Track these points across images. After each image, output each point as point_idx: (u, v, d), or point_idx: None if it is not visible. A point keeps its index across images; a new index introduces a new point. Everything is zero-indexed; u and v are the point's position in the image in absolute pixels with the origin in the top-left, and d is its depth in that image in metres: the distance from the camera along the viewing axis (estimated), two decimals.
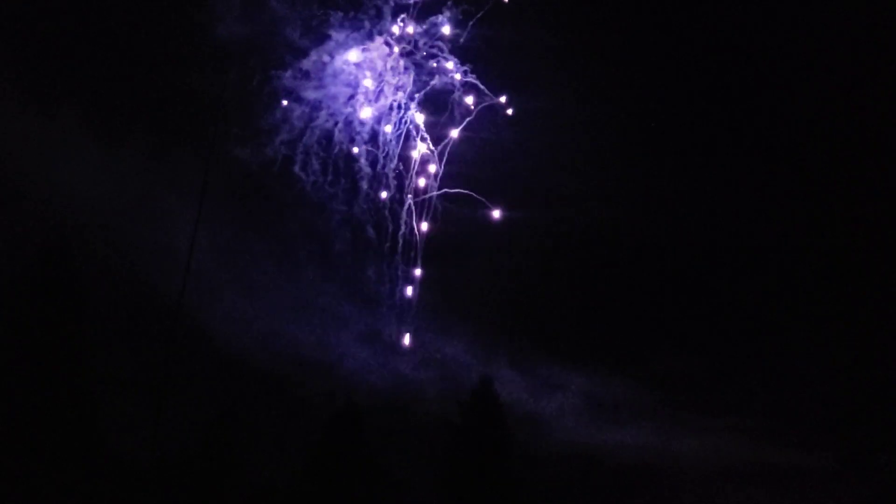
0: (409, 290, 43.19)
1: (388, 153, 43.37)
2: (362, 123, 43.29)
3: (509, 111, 43.52)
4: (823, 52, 42.35)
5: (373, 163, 43.39)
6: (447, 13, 43.19)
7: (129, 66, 41.19)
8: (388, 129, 43.35)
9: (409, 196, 43.28)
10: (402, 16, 43.14)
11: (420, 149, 43.50)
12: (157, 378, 35.69)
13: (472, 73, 43.34)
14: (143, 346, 37.06)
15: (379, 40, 43.35)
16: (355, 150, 43.44)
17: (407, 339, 42.76)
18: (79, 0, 40.75)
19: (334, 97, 43.42)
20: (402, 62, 43.65)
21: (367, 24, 42.94)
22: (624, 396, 42.71)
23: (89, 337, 34.94)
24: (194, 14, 40.82)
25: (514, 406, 40.54)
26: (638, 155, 43.72)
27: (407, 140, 43.66)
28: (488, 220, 42.92)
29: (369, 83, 43.30)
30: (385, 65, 43.52)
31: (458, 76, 43.33)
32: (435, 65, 43.40)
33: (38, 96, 39.57)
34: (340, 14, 42.42)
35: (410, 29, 43.25)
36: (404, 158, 43.59)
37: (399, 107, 43.59)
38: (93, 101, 40.42)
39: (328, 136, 43.11)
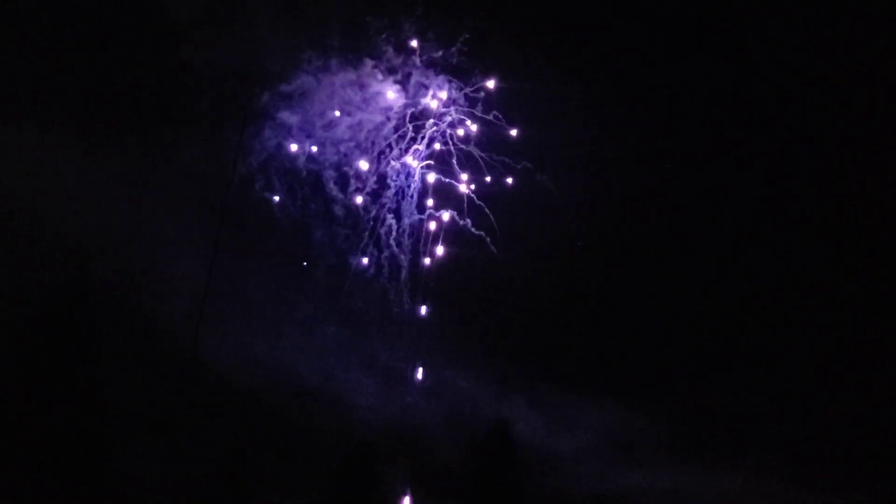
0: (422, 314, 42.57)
1: (370, 182, 43.13)
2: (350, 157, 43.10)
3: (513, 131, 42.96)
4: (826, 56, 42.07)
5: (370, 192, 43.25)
6: (431, 34, 42.94)
7: (129, 89, 41.42)
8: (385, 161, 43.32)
9: (391, 217, 42.96)
10: (385, 34, 42.81)
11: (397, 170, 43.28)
12: (170, 417, 36.55)
13: (456, 89, 43.16)
14: (156, 385, 37.71)
15: (368, 63, 42.99)
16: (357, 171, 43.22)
17: (420, 374, 41.67)
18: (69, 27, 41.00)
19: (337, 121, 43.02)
20: (391, 85, 43.33)
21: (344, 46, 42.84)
22: (645, 435, 41.28)
23: (104, 375, 35.01)
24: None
25: (529, 446, 39.15)
26: (659, 183, 43.04)
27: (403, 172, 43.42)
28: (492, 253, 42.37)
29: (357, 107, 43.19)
30: (372, 89, 43.16)
31: (444, 95, 43.04)
32: (422, 84, 43.19)
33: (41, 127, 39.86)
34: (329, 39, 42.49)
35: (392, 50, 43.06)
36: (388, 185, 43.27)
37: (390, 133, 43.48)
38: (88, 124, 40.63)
39: (329, 164, 43.06)
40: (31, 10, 40.75)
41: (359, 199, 42.57)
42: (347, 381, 40.63)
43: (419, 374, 41.27)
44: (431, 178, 43.01)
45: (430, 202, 42.91)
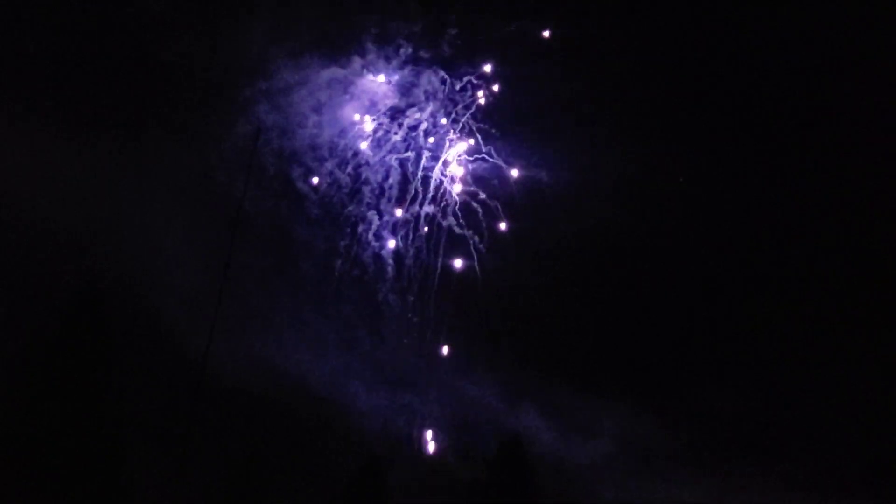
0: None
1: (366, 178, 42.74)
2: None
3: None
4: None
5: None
6: (419, 26, 42.74)
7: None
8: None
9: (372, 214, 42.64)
10: (375, 30, 42.63)
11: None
12: (182, 426, 36.41)
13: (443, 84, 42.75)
14: (169, 394, 37.44)
15: (357, 61, 42.68)
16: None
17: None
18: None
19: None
20: (378, 83, 42.91)
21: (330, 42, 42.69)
22: (663, 442, 39.53)
23: (117, 384, 35.42)
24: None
25: (543, 456, 38.10)
26: (681, 181, 41.98)
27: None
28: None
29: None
30: (357, 87, 42.83)
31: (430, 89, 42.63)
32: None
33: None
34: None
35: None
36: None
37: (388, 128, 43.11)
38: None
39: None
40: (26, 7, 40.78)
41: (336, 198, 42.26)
42: (351, 387, 39.81)
43: (428, 442, 40.46)
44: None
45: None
